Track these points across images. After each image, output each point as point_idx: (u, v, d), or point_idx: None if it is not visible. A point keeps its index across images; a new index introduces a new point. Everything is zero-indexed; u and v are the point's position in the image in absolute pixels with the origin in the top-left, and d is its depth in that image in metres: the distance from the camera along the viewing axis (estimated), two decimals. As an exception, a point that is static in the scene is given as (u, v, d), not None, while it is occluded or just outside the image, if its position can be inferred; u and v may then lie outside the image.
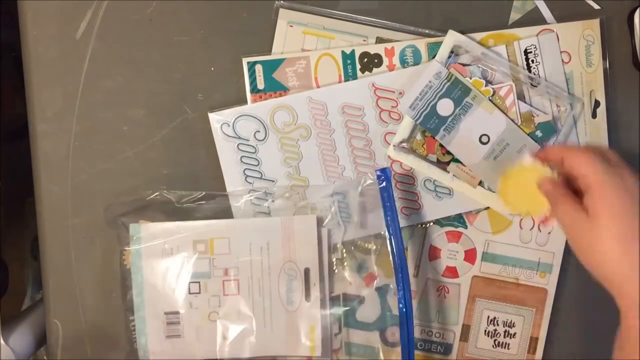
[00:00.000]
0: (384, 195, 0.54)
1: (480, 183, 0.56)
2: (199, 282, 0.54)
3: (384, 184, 0.54)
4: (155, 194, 0.56)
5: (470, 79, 0.54)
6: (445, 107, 0.54)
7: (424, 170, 0.55)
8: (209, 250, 0.54)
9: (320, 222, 0.55)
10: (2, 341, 0.63)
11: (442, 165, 0.56)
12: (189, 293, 0.55)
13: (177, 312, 0.54)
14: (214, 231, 0.54)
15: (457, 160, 0.55)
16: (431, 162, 0.56)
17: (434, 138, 0.55)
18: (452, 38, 0.54)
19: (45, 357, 0.82)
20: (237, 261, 0.54)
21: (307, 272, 0.54)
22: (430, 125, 0.55)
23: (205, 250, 0.54)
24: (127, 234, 0.55)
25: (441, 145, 0.55)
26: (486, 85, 0.54)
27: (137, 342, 0.55)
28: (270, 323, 0.54)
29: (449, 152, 0.55)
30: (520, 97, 0.55)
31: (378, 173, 0.54)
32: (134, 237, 0.55)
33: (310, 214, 0.55)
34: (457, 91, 0.54)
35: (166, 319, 0.54)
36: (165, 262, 0.54)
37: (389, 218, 0.53)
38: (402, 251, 0.53)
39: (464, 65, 0.55)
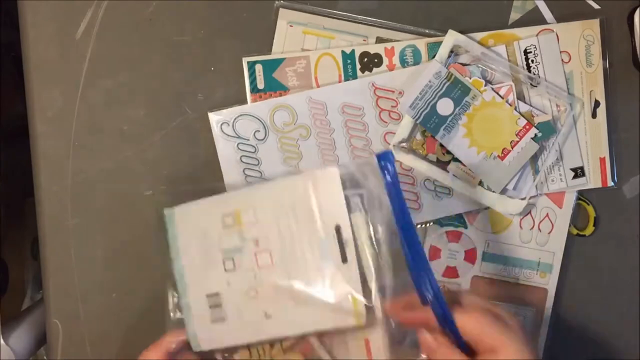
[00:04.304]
0: (391, 189, 0.47)
1: (480, 183, 0.56)
2: (232, 258, 0.51)
3: (388, 177, 0.47)
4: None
5: (470, 78, 0.54)
6: (445, 106, 0.54)
7: (423, 170, 0.55)
8: (237, 222, 0.51)
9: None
10: (2, 341, 0.63)
11: (442, 165, 0.56)
12: (225, 271, 0.51)
13: (217, 294, 0.51)
14: (239, 200, 0.51)
15: (457, 160, 0.55)
16: (431, 161, 0.56)
17: (434, 138, 0.55)
18: (452, 38, 0.54)
19: (45, 357, 0.82)
20: (265, 229, 0.50)
21: (338, 229, 0.49)
22: (430, 124, 0.55)
23: (234, 222, 0.51)
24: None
25: (441, 145, 0.55)
26: (486, 85, 0.54)
27: (187, 334, 0.51)
28: (312, 293, 0.49)
29: (449, 152, 0.55)
30: (520, 97, 0.55)
31: (380, 161, 0.47)
32: (168, 221, 0.52)
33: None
34: (457, 91, 0.54)
35: (209, 302, 0.51)
36: (200, 242, 0.51)
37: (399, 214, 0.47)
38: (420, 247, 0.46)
39: (463, 65, 0.55)
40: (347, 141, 0.56)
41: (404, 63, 0.56)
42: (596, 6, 0.56)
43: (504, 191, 0.55)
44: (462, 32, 0.54)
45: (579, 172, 0.56)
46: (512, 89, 0.54)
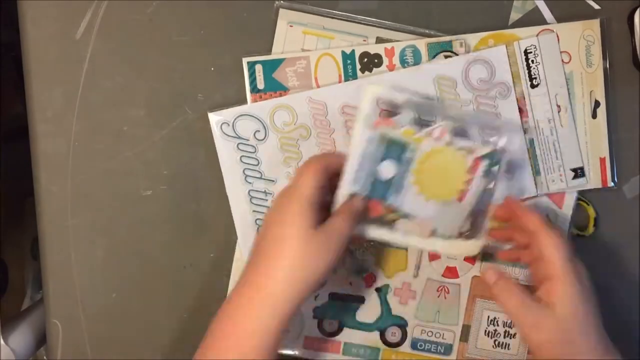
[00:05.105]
0: None
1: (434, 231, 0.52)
2: None
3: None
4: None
5: (401, 129, 0.49)
6: (387, 169, 0.50)
7: (370, 234, 0.51)
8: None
9: None
10: (2, 341, 0.64)
11: (388, 224, 0.51)
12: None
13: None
14: None
15: (405, 216, 0.51)
16: (376, 223, 0.51)
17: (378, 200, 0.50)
18: (371, 94, 0.49)
19: (45, 357, 0.82)
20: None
21: None
22: (378, 193, 0.50)
23: None
24: None
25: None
26: (419, 131, 0.50)
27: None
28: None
29: (394, 210, 0.51)
30: (521, 97, 0.55)
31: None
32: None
33: None
34: (395, 149, 0.49)
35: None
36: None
37: None
38: None
39: (390, 116, 0.51)
40: (347, 141, 0.56)
41: (404, 63, 0.56)
42: (596, 6, 0.56)
43: (460, 234, 0.52)
44: (462, 32, 0.55)
45: (579, 173, 0.56)
46: (446, 127, 0.50)
